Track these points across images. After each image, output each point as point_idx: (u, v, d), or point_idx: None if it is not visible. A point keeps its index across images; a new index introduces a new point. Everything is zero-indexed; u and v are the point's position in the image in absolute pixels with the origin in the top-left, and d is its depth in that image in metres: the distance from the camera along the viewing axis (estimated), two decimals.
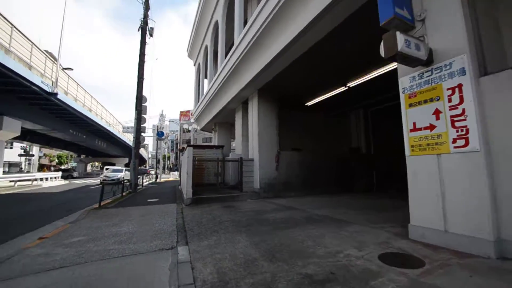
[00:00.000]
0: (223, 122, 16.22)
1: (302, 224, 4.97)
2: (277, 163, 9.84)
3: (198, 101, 18.32)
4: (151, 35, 14.86)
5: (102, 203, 8.70)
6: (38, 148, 54.23)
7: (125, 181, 12.54)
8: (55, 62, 19.23)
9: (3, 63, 13.27)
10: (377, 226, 4.72)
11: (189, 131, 67.17)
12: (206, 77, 17.40)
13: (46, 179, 21.41)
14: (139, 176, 15.55)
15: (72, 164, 64.56)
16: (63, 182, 24.03)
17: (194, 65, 19.30)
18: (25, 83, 15.51)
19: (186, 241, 4.16)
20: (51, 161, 67.62)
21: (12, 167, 50.75)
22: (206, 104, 14.74)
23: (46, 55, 18.02)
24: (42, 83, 17.09)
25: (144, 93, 14.33)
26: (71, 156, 66.54)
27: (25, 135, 28.58)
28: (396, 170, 13.73)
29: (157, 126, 17.63)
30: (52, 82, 18.66)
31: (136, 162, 13.51)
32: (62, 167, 69.28)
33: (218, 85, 11.61)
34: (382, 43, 3.53)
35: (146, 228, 5.16)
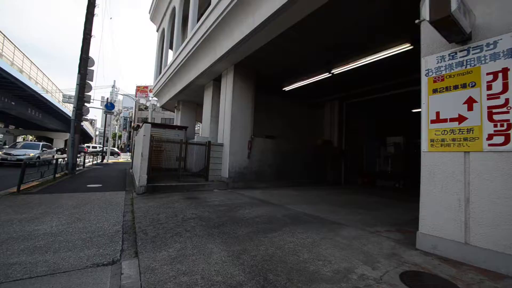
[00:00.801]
0: (188, 100, 14.45)
1: (288, 226, 4.11)
2: (250, 150, 8.85)
3: (160, 73, 16.04)
4: None
5: (25, 186, 6.68)
6: None
7: (61, 160, 10.18)
8: None
9: None
10: (372, 230, 4.12)
11: (146, 108, 61.56)
12: (171, 48, 15.20)
13: None
14: (79, 156, 13.07)
15: (0, 135, 53.90)
16: None
17: (157, 30, 16.73)
18: None
19: (136, 250, 2.94)
20: None
21: None
22: (170, 77, 12.79)
23: None
24: None
25: (92, 54, 11.73)
26: None
27: None
28: (360, 165, 14.10)
29: (107, 99, 14.91)
30: None
31: (76, 137, 11.11)
32: None
33: (187, 54, 9.93)
34: (425, 3, 2.70)
35: (78, 226, 3.72)
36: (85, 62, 11.31)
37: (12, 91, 23.08)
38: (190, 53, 9.61)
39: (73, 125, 11.00)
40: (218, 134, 9.24)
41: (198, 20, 9.50)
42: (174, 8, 12.80)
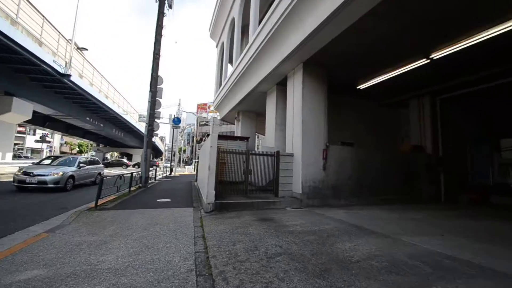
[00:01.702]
0: (248, 110, 14.00)
1: (439, 283, 2.59)
2: (325, 161, 7.47)
3: (220, 86, 16.22)
4: (170, 6, 12.86)
5: (101, 201, 6.83)
6: (60, 136, 55.26)
7: (135, 174, 10.70)
8: (69, 41, 17.87)
9: (8, 35, 11.78)
10: None
11: (206, 124, 66.02)
12: (230, 62, 15.22)
13: None
14: (151, 169, 13.78)
15: (91, 153, 65.69)
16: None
17: (217, 46, 17.18)
18: (35, 60, 14.09)
19: None
20: (71, 149, 69.19)
21: (34, 153, 52.04)
22: (230, 87, 12.55)
23: (59, 32, 16.62)
24: (54, 62, 15.70)
25: (161, 73, 12.41)
26: (91, 145, 67.48)
27: (44, 121, 28.19)
28: (464, 176, 10.86)
29: (174, 116, 15.98)
30: (66, 62, 17.32)
31: (148, 152, 11.65)
32: (83, 155, 70.98)
33: (248, 60, 9.36)
34: None
35: (146, 259, 3.04)
36: (155, 80, 11.97)
37: (99, 114, 27.18)
38: (252, 58, 9.00)
39: (146, 141, 11.58)
40: (286, 143, 8.18)
41: (260, 22, 8.87)
42: (233, 19, 12.71)
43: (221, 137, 11.69)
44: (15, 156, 31.34)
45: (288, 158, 7.52)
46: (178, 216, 5.48)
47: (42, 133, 50.65)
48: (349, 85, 9.25)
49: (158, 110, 12.48)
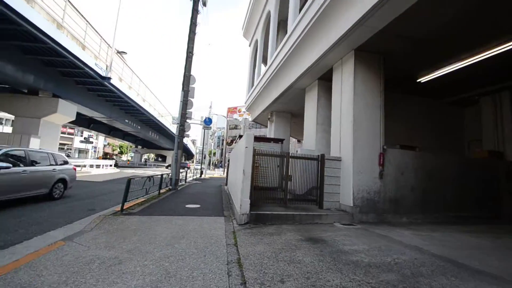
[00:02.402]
0: (283, 110, 12.98)
1: None
2: (382, 167, 6.13)
3: (252, 86, 15.50)
4: (204, 4, 12.53)
5: (129, 204, 6.35)
6: (104, 137, 59.89)
7: (165, 176, 10.33)
8: (110, 46, 18.69)
9: (55, 38, 12.38)
10: None
11: (236, 127, 66.40)
12: (264, 61, 14.42)
13: (98, 166, 21.40)
14: (182, 171, 13.46)
15: (130, 154, 70.22)
16: (114, 170, 24.09)
17: (250, 45, 16.55)
18: (78, 63, 14.77)
19: None
20: (113, 150, 74.60)
21: (81, 153, 57.01)
22: (264, 85, 11.70)
23: (101, 36, 17.43)
24: (96, 65, 16.41)
25: (193, 73, 12.05)
26: (131, 146, 72.11)
27: (89, 123, 30.31)
28: None
29: (205, 117, 15.71)
30: (106, 66, 18.08)
31: (179, 153, 11.27)
32: (123, 156, 76.17)
33: (286, 54, 8.41)
34: None
35: None
36: (187, 79, 11.62)
37: (137, 116, 28.34)
38: (291, 50, 8.03)
39: (177, 141, 11.22)
40: (331, 146, 6.99)
41: (300, 10, 7.88)
42: (268, 14, 11.91)
43: (254, 138, 10.88)
44: (67, 156, 34.39)
45: (335, 163, 6.34)
46: (207, 229, 4.66)
47: (88, 135, 55.33)
48: (406, 78, 7.77)
49: (190, 110, 12.10)
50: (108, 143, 74.26)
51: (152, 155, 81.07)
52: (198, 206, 7.15)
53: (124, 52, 20.40)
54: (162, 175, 9.50)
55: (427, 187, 6.53)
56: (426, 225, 5.97)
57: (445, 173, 6.82)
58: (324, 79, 8.25)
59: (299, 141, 22.57)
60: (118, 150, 79.34)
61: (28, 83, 14.66)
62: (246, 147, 5.28)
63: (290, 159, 6.12)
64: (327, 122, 8.23)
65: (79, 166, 18.02)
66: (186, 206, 7.07)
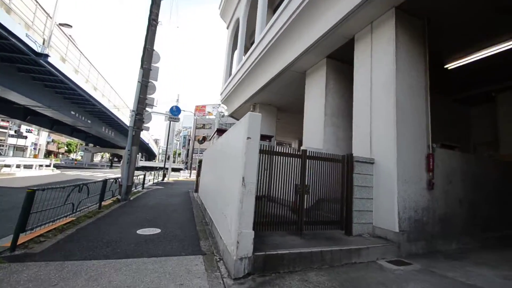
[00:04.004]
0: (268, 103, 10.90)
1: None
2: (431, 173, 4.38)
3: (230, 74, 13.19)
4: None
5: (38, 232, 3.65)
6: (47, 133, 51.34)
7: (112, 181, 7.44)
8: (50, 16, 14.69)
9: None
10: None
11: (203, 126, 62.95)
12: (245, 46, 12.19)
13: (28, 166, 16.91)
14: (138, 174, 10.55)
15: (80, 153, 61.56)
16: (50, 172, 19.48)
17: (228, 27, 14.21)
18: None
19: None
20: (58, 148, 65.09)
21: (18, 150, 48.00)
22: (248, 72, 9.49)
23: (36, 1, 13.46)
24: (27, 37, 12.48)
25: (157, 48, 9.29)
26: (81, 144, 63.64)
27: (25, 115, 24.69)
28: None
29: (173, 106, 12.79)
30: (44, 40, 14.10)
31: (134, 151, 8.42)
32: (71, 155, 66.70)
33: (285, 23, 6.35)
34: None
35: None
36: (149, 54, 8.86)
37: (86, 108, 23.82)
38: (293, 16, 6.00)
39: (131, 134, 8.36)
40: (353, 144, 5.05)
41: None
42: None
43: (223, 131, 8.56)
44: None
45: (366, 168, 4.41)
46: None
47: (26, 129, 46.64)
48: (433, 62, 6.28)
49: (152, 96, 9.31)
50: (53, 140, 64.40)
51: (107, 155, 72.56)
52: (158, 231, 4.62)
53: (69, 25, 16.33)
54: (105, 180, 6.63)
55: (474, 199, 4.99)
56: (484, 252, 4.37)
57: (487, 180, 5.38)
58: (334, 57, 6.39)
59: (281, 143, 20.68)
60: (65, 148, 69.56)
61: None
62: (249, 138, 3.02)
63: (307, 161, 4.00)
64: (339, 114, 6.36)
65: None
66: (138, 231, 4.49)
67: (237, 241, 2.81)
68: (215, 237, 4.25)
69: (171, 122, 16.54)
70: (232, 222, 3.11)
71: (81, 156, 56.68)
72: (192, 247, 3.81)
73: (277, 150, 3.83)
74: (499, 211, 5.42)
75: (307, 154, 4.05)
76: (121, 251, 3.47)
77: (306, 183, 3.97)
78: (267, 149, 3.68)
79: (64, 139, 63.06)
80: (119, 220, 5.33)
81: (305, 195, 3.94)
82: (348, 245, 3.63)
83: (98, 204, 6.30)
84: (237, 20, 12.11)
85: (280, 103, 10.61)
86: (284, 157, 3.90)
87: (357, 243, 3.76)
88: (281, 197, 3.80)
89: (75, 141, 61.00)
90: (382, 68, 4.58)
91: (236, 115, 13.69)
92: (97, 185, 6.41)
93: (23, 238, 3.44)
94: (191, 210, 7.14)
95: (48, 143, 60.86)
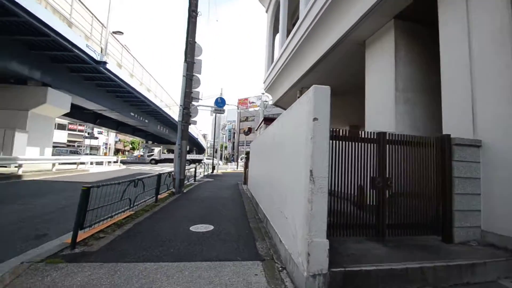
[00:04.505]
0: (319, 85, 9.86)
1: None
2: None
3: (272, 61, 12.44)
4: None
5: (97, 228, 3.67)
6: (115, 133, 58.67)
7: (166, 175, 7.59)
8: (104, 25, 16.03)
9: (27, 8, 9.77)
10: None
11: (247, 119, 63.73)
12: (291, 25, 11.21)
13: (99, 163, 19.21)
14: (189, 167, 10.76)
15: (142, 150, 68.94)
16: (117, 167, 21.87)
17: (267, 11, 13.38)
18: (64, 43, 12.15)
19: None
20: (124, 146, 73.86)
21: (93, 150, 56.09)
22: (293, 53, 8.63)
23: (92, 14, 14.75)
24: (87, 47, 13.78)
25: (200, 41, 9.10)
26: (142, 141, 71.20)
27: (95, 118, 28.34)
28: None
29: (218, 98, 12.79)
30: (101, 49, 15.50)
31: (184, 145, 8.49)
32: (135, 152, 75.22)
33: None
34: None
35: None
36: (191, 47, 8.72)
37: (142, 108, 25.92)
38: None
39: (180, 129, 8.42)
40: (446, 120, 3.88)
41: None
42: None
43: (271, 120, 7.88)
44: (75, 152, 32.79)
45: (471, 153, 3.27)
46: None
47: (97, 131, 53.93)
48: None
49: (197, 90, 9.24)
50: (119, 140, 73.36)
51: (165, 151, 79.62)
52: (211, 228, 4.32)
53: (120, 32, 17.65)
54: (159, 174, 6.73)
55: None
56: None
57: None
58: (405, 17, 5.11)
59: None
60: (130, 146, 78.56)
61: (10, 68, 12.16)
62: (316, 119, 2.33)
63: (386, 146, 3.11)
64: (415, 88, 5.11)
65: (74, 163, 15.72)
66: (191, 228, 4.26)
67: (307, 253, 2.19)
68: (273, 238, 3.72)
69: (217, 114, 16.70)
70: (298, 226, 2.50)
71: (143, 152, 63.38)
72: (248, 250, 3.35)
73: (348, 134, 3.02)
74: None
75: (386, 137, 3.14)
76: (174, 251, 3.20)
77: (389, 176, 3.08)
78: (335, 133, 2.91)
79: (128, 138, 71.27)
80: (173, 214, 5.25)
81: (387, 191, 3.08)
82: (454, 258, 2.68)
83: (155, 198, 6.42)
84: (277, 1, 11.18)
85: (331, 84, 9.44)
86: (353, 143, 3.08)
87: (465, 256, 2.77)
88: (350, 193, 3.02)
89: (137, 139, 68.44)
90: (487, 15, 3.29)
91: (281, 103, 12.94)
92: (153, 179, 6.52)
93: (83, 234, 3.44)
94: (242, 204, 6.81)
95: (116, 142, 69.69)
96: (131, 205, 5.10)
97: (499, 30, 3.16)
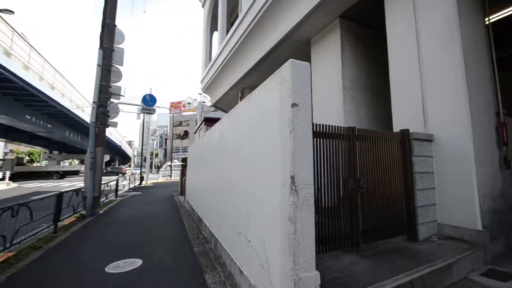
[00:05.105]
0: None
1: None
2: (506, 147, 3.39)
3: (210, 60, 11.58)
4: None
5: None
6: (3, 143, 45.45)
7: (71, 193, 5.69)
8: None
9: None
10: None
11: (180, 124, 60.19)
12: (229, 23, 10.58)
13: None
14: (105, 181, 8.81)
15: (44, 162, 55.60)
16: (5, 186, 16.60)
17: (203, 5, 12.47)
18: None
19: None
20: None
21: None
22: (234, 51, 8.04)
23: None
24: None
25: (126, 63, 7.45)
26: (44, 152, 57.74)
27: None
28: None
29: (146, 94, 10.59)
30: None
31: (99, 152, 6.66)
32: (34, 165, 60.13)
33: None
34: None
35: None
36: (109, 31, 7.03)
37: (43, 111, 20.71)
38: None
39: (93, 132, 6.56)
40: (396, 116, 3.89)
41: None
42: None
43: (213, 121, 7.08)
44: None
45: (425, 148, 3.27)
46: None
47: None
48: None
49: (117, 85, 7.51)
50: (10, 150, 57.44)
51: (76, 161, 66.49)
52: (138, 263, 3.14)
53: (10, 11, 13.46)
54: (59, 194, 4.89)
55: None
56: None
57: None
58: (349, 18, 5.17)
59: None
60: (27, 158, 62.66)
61: None
62: (295, 105, 1.68)
63: (356, 143, 2.75)
64: (360, 87, 5.19)
65: None
66: (108, 269, 2.99)
67: None
68: (227, 266, 2.89)
69: (146, 116, 14.42)
70: (272, 254, 1.78)
71: (46, 164, 51.12)
72: None
73: (318, 130, 2.50)
74: None
75: (355, 132, 2.79)
76: None
77: (359, 177, 2.72)
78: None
79: (23, 147, 56.68)
80: (80, 249, 3.76)
81: (359, 194, 2.70)
82: (432, 260, 2.46)
83: (54, 227, 4.62)
84: None
85: None
86: (320, 140, 2.59)
87: (435, 255, 2.61)
88: (319, 199, 2.51)
89: (37, 149, 54.97)
90: (435, 14, 3.42)
91: (221, 105, 12.14)
92: (50, 201, 4.69)
93: None
94: (181, 221, 5.67)
95: (5, 153, 54.22)
96: (7, 245, 3.37)
97: (445, 29, 3.28)
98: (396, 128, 3.70)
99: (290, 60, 1.85)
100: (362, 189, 2.73)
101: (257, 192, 2.15)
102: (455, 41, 3.14)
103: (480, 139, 3.08)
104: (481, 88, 3.30)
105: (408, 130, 3.18)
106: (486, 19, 3.70)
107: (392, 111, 3.89)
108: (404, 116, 3.69)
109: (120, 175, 23.69)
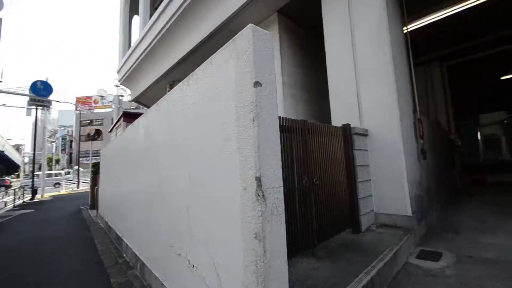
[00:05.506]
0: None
1: None
2: (423, 140, 3.91)
3: (130, 46, 9.92)
4: None
5: None
6: None
7: None
8: None
9: None
10: None
11: (91, 122, 51.12)
12: (154, 9, 9.23)
13: None
14: None
15: None
16: None
17: None
18: None
19: None
20: None
21: None
22: (160, 37, 7.02)
23: None
24: None
25: None
26: None
27: None
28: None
29: (37, 81, 7.83)
30: None
31: None
32: None
33: None
34: None
35: None
36: None
37: None
38: None
39: None
40: (335, 113, 3.97)
41: None
42: None
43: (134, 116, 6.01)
44: None
45: (363, 142, 3.43)
46: None
47: None
48: None
49: None
50: None
51: None
52: None
53: None
54: None
55: (440, 165, 5.03)
56: (462, 213, 4.32)
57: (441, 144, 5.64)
58: (287, 14, 5.13)
59: None
60: None
61: None
62: (258, 83, 1.27)
63: (308, 137, 2.56)
64: (297, 85, 5.21)
65: None
66: None
67: None
68: None
69: (39, 110, 10.98)
70: (228, 282, 1.31)
71: None
72: None
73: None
74: (442, 176, 5.79)
75: (307, 125, 2.59)
76: None
77: (316, 176, 2.53)
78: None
79: None
80: None
81: (312, 191, 2.52)
82: (378, 251, 2.50)
83: None
84: None
85: None
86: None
87: (381, 244, 2.70)
88: None
89: None
90: (366, 19, 3.62)
91: (144, 100, 10.58)
92: None
93: None
94: (92, 243, 4.44)
95: None
96: None
97: (377, 29, 3.50)
98: (334, 123, 3.79)
99: (250, 25, 1.44)
100: (316, 186, 2.56)
101: (205, 202, 1.63)
102: (385, 44, 3.39)
103: (406, 134, 3.42)
104: (405, 88, 3.71)
105: (349, 124, 3.25)
106: (404, 28, 4.23)
107: (331, 107, 3.99)
108: (341, 112, 3.81)
109: (3, 188, 18.01)
